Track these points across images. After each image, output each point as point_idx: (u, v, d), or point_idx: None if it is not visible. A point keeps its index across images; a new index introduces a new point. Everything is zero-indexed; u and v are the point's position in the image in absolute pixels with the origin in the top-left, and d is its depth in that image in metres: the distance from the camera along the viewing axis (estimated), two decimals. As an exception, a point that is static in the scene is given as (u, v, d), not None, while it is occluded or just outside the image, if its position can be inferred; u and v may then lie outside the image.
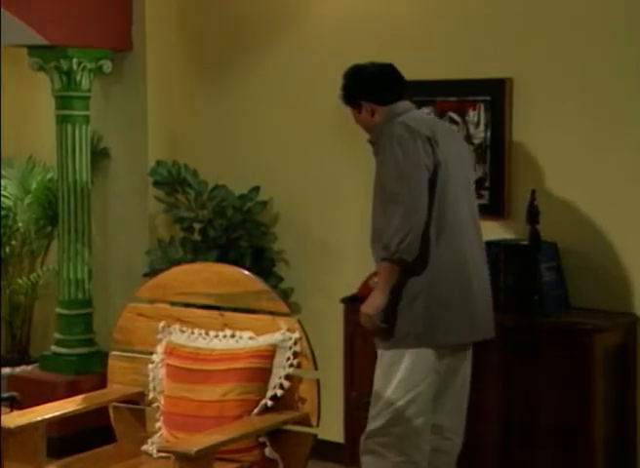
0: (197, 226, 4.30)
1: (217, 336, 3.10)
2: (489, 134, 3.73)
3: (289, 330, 3.01)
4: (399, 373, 3.07)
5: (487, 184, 3.76)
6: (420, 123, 3.12)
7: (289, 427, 2.98)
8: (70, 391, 4.00)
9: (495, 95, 3.70)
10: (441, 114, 3.86)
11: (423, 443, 3.08)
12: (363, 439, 3.15)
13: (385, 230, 3.02)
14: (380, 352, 3.15)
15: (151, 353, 3.17)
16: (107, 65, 4.42)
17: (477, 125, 3.78)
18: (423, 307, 3.04)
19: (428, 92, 3.88)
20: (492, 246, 3.47)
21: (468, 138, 3.81)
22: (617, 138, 3.50)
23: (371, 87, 3.26)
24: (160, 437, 3.07)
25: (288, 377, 2.97)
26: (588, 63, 3.55)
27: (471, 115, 3.79)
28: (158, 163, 4.39)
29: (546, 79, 3.62)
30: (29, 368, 4.53)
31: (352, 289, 3.88)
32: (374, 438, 3.11)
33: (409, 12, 3.97)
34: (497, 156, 3.73)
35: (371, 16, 4.06)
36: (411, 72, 3.92)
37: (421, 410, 3.07)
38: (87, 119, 4.42)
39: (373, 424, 3.13)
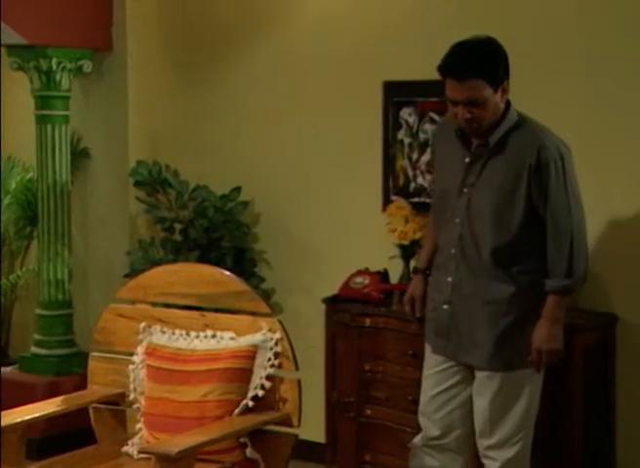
0: (178, 227, 4.29)
1: (197, 337, 3.09)
2: (469, 134, 3.74)
3: (270, 330, 3.00)
4: (526, 395, 2.90)
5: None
6: None
7: (270, 427, 2.98)
8: (50, 392, 3.98)
9: (475, 95, 3.72)
10: (422, 115, 3.88)
11: None
12: None
13: (563, 258, 2.81)
14: (493, 374, 2.89)
15: (132, 354, 3.16)
16: (87, 65, 4.41)
17: (458, 125, 3.79)
18: None
19: (409, 92, 3.90)
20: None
21: (449, 139, 3.82)
22: (602, 140, 3.51)
23: (509, 65, 2.84)
24: (141, 438, 3.06)
25: (269, 378, 2.97)
26: (569, 64, 3.57)
27: (452, 116, 3.80)
28: (139, 163, 4.38)
29: (527, 79, 3.63)
30: (8, 369, 4.50)
31: (333, 289, 3.88)
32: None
33: (390, 12, 3.97)
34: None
35: (352, 16, 4.06)
36: (392, 73, 3.95)
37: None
38: (67, 119, 4.40)
39: (506, 453, 2.90)
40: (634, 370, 3.46)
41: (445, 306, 2.95)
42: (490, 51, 2.80)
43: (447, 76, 2.80)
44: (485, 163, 2.85)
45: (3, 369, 4.50)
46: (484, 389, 2.91)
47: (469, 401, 2.98)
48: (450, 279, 2.92)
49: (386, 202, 3.97)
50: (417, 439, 3.09)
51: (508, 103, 2.86)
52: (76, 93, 4.49)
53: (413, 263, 3.85)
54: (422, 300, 3.09)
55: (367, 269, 3.90)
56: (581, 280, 2.89)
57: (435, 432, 3.00)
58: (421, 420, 3.07)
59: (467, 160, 2.87)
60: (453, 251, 2.91)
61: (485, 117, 2.79)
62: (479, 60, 2.76)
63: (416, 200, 3.90)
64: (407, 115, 3.92)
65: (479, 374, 2.93)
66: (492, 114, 2.80)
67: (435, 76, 3.82)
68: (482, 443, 2.95)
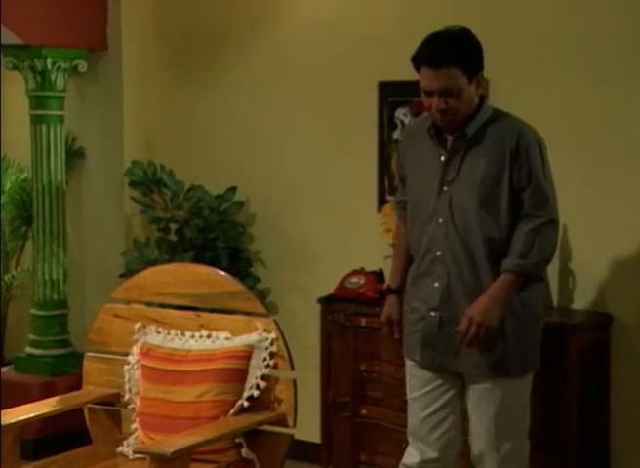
0: (173, 227, 4.29)
1: (193, 337, 3.09)
2: (464, 134, 3.74)
3: (265, 330, 3.00)
4: (525, 400, 2.82)
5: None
6: None
7: (265, 427, 2.98)
8: (45, 393, 3.97)
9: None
10: (416, 114, 3.87)
11: None
12: None
13: (543, 242, 2.73)
14: (494, 386, 2.77)
15: (127, 354, 3.16)
16: (82, 65, 4.40)
17: (453, 125, 3.80)
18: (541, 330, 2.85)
19: (404, 92, 3.90)
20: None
21: (444, 139, 3.82)
22: (595, 139, 3.52)
23: (483, 57, 2.80)
24: (136, 438, 3.06)
25: (264, 378, 2.97)
26: (566, 64, 3.57)
27: (447, 116, 3.80)
28: (134, 163, 4.37)
29: (523, 80, 3.64)
30: (4, 369, 4.49)
31: (329, 289, 3.89)
32: None
33: (384, 12, 3.98)
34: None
35: (346, 16, 4.06)
36: (386, 73, 3.95)
37: None
38: (62, 119, 4.40)
39: (510, 462, 2.80)
40: (629, 370, 3.47)
41: (433, 313, 2.80)
42: (465, 40, 2.76)
43: (422, 65, 2.75)
44: (463, 157, 2.76)
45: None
46: (486, 402, 2.77)
47: (462, 416, 2.86)
48: (437, 284, 2.80)
49: (382, 202, 3.98)
50: (409, 461, 2.91)
51: (483, 98, 2.83)
52: (71, 93, 4.48)
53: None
54: (399, 321, 2.95)
55: (362, 269, 3.90)
56: (536, 267, 2.74)
57: (433, 455, 2.85)
58: (414, 443, 2.90)
59: (443, 158, 2.78)
60: (439, 253, 2.79)
61: (460, 108, 2.72)
62: (455, 49, 2.71)
63: (411, 200, 3.89)
64: (402, 115, 3.92)
65: (476, 386, 2.79)
66: (466, 105, 2.73)
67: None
68: (484, 456, 2.81)
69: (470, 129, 2.76)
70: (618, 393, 3.48)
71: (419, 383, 2.88)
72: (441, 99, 2.71)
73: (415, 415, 2.89)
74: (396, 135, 3.94)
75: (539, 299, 2.85)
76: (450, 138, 2.80)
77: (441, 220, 2.79)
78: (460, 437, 2.89)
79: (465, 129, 2.76)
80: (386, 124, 3.96)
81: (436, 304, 2.80)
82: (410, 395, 2.92)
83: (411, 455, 2.90)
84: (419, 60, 2.76)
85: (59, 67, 4.33)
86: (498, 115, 2.81)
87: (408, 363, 2.93)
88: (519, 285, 2.74)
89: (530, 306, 2.80)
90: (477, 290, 2.75)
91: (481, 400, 2.78)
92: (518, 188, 2.73)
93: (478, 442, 2.81)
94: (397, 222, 3.09)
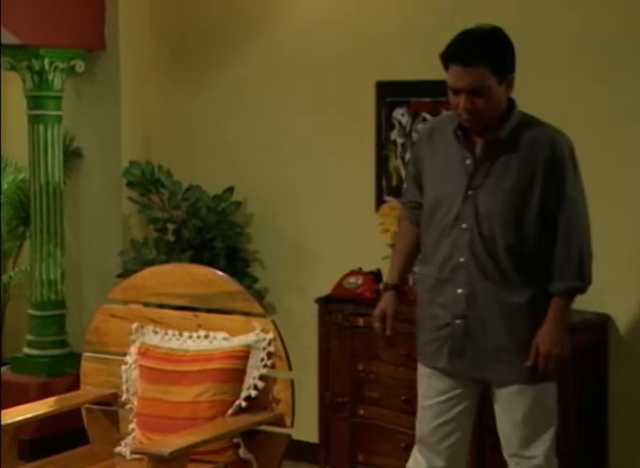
0: (171, 227, 4.29)
1: (190, 337, 3.09)
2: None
3: (263, 330, 3.00)
4: (553, 404, 2.75)
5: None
6: None
7: (263, 428, 2.98)
8: (43, 393, 3.97)
9: (468, 95, 3.72)
10: (415, 115, 3.88)
11: None
12: None
13: (573, 258, 2.65)
14: (523, 390, 2.70)
15: (124, 354, 3.16)
16: (80, 65, 4.40)
17: (451, 125, 3.79)
18: None
19: (402, 93, 3.90)
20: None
21: (442, 139, 3.82)
22: (594, 139, 3.51)
23: (515, 57, 2.68)
24: (133, 438, 3.05)
25: (262, 378, 2.97)
26: (562, 64, 3.57)
27: (445, 116, 3.80)
28: (131, 163, 4.37)
29: (519, 79, 3.63)
30: (1, 369, 4.49)
31: (327, 289, 3.88)
32: None
33: (383, 12, 3.98)
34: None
35: (344, 17, 4.06)
36: (384, 73, 3.95)
37: None
38: (59, 119, 4.39)
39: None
40: (627, 370, 3.47)
41: (457, 321, 2.70)
42: (496, 39, 2.65)
43: (450, 62, 2.63)
44: (493, 162, 2.66)
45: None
46: (513, 407, 2.70)
47: (472, 421, 2.82)
48: (460, 290, 2.69)
49: (379, 202, 3.98)
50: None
51: (512, 101, 2.71)
52: (69, 92, 4.48)
53: (406, 263, 3.85)
54: (394, 318, 2.87)
55: (360, 269, 3.90)
56: (590, 282, 2.71)
57: (440, 463, 2.80)
58: (421, 450, 2.84)
59: (469, 161, 2.68)
60: (461, 259, 2.68)
61: (487, 109, 2.61)
62: (485, 47, 2.61)
63: (409, 200, 3.89)
64: (400, 115, 3.92)
65: (504, 391, 2.71)
66: (495, 107, 2.63)
67: (428, 76, 3.85)
68: (515, 461, 2.75)
69: (503, 132, 2.66)
70: (616, 393, 3.48)
71: (433, 392, 2.80)
72: (468, 99, 2.60)
73: (425, 423, 2.82)
74: (394, 135, 3.95)
75: (569, 308, 2.76)
76: (479, 141, 2.69)
77: (465, 226, 2.67)
78: (467, 446, 2.84)
79: (498, 132, 2.66)
80: (384, 124, 3.96)
81: (461, 312, 2.70)
82: (423, 402, 2.84)
83: (418, 464, 2.85)
84: (447, 58, 2.64)
85: (56, 67, 4.32)
86: (529, 120, 2.71)
87: (424, 370, 2.83)
88: (572, 302, 2.72)
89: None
90: (504, 295, 2.66)
91: (510, 405, 2.71)
92: (549, 199, 2.64)
93: (508, 447, 2.75)
94: (401, 221, 2.99)
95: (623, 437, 3.48)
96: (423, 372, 2.84)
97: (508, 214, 2.64)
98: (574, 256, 2.65)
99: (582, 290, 2.71)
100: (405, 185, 3.04)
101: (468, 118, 2.65)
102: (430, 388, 2.81)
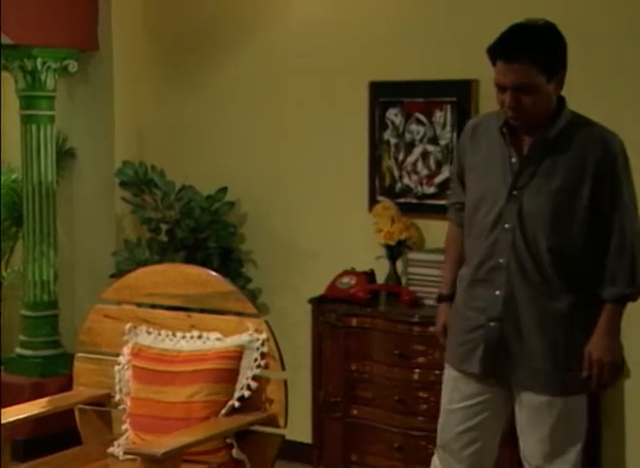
0: (164, 227, 4.28)
1: (184, 338, 3.08)
2: (455, 134, 3.75)
3: (256, 330, 3.00)
4: (583, 415, 2.64)
5: (453, 185, 3.78)
6: None
7: (256, 428, 2.98)
8: (36, 393, 3.96)
9: (461, 96, 3.73)
10: (408, 115, 3.88)
11: None
12: None
13: (625, 263, 2.55)
14: (553, 401, 2.59)
15: (118, 355, 3.15)
16: (73, 65, 4.39)
17: (444, 126, 3.81)
18: None
19: (395, 93, 3.91)
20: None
21: (435, 139, 3.83)
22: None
23: (566, 55, 2.55)
24: (126, 439, 3.05)
25: (255, 378, 2.97)
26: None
27: (438, 116, 3.81)
28: (124, 163, 4.36)
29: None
30: (1, 368, 4.48)
31: (320, 289, 3.89)
32: None
33: (376, 12, 3.98)
34: (463, 157, 3.75)
35: (337, 18, 4.07)
36: (378, 73, 3.96)
37: None
38: (52, 119, 4.39)
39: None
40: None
41: (492, 323, 2.60)
42: (546, 35, 2.51)
43: (496, 57, 2.50)
44: (540, 161, 2.54)
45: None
46: (541, 418, 2.59)
47: (500, 431, 2.70)
48: (498, 292, 2.58)
49: (373, 202, 3.98)
50: None
51: (563, 99, 2.59)
52: (62, 93, 4.47)
53: (399, 263, 3.86)
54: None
55: (353, 269, 3.90)
56: None
57: None
58: (442, 456, 2.74)
59: (515, 159, 2.57)
60: (501, 260, 2.57)
61: (534, 107, 2.49)
62: (532, 42, 2.47)
63: (402, 200, 3.90)
64: (393, 115, 3.93)
65: (532, 401, 2.60)
66: (543, 106, 2.50)
67: (421, 77, 3.87)
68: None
69: (552, 131, 2.54)
70: (608, 395, 3.49)
71: (461, 395, 2.69)
72: (513, 96, 2.48)
73: (449, 428, 2.71)
74: (387, 135, 3.95)
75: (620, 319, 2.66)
76: (527, 140, 2.58)
77: (507, 226, 2.57)
78: (493, 458, 2.73)
79: (547, 132, 2.54)
80: (377, 124, 3.97)
81: (497, 314, 2.60)
82: (448, 406, 2.72)
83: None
84: (492, 53, 2.52)
85: (49, 67, 4.32)
86: (579, 119, 2.59)
87: (452, 373, 2.72)
88: (624, 309, 2.60)
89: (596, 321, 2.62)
90: (544, 300, 2.56)
91: (538, 416, 2.60)
92: (599, 201, 2.53)
93: (531, 458, 2.65)
94: (449, 226, 2.86)
95: (614, 438, 3.49)
96: (450, 375, 2.73)
97: (553, 218, 2.53)
98: (626, 263, 2.55)
99: (635, 296, 2.60)
100: (451, 185, 2.93)
101: (514, 116, 2.53)
102: (457, 392, 2.70)
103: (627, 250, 2.55)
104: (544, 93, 2.50)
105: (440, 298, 2.84)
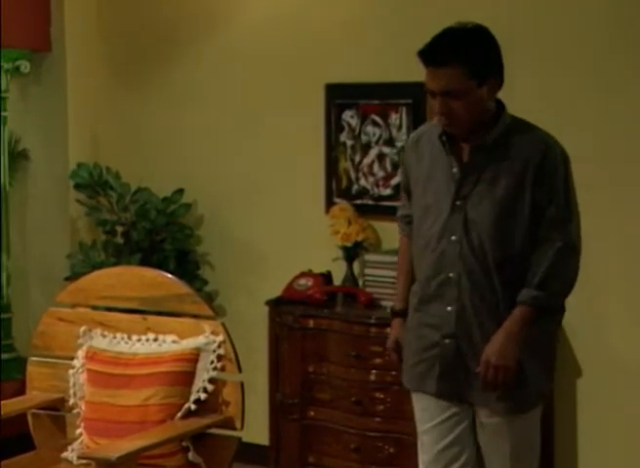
0: (120, 229, 4.25)
1: (139, 340, 3.06)
2: (411, 136, 3.77)
3: (213, 333, 2.99)
4: (538, 430, 2.59)
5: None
6: None
7: (213, 431, 2.96)
8: (-12, 398, 3.90)
9: (416, 97, 3.75)
10: (364, 117, 3.90)
11: None
12: None
13: (543, 267, 2.46)
14: (510, 421, 2.53)
15: (72, 358, 3.12)
16: (25, 66, 4.34)
17: (399, 128, 3.83)
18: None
19: (351, 95, 3.92)
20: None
21: (391, 141, 3.85)
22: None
23: (501, 58, 2.48)
24: (81, 443, 3.02)
25: (212, 381, 2.95)
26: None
27: (393, 118, 3.83)
28: (79, 165, 4.32)
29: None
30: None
31: (277, 291, 3.88)
32: None
33: (332, 15, 3.99)
34: (419, 158, 3.77)
35: (294, 18, 4.07)
36: (334, 75, 3.97)
37: None
38: (4, 120, 4.33)
39: None
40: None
41: (447, 340, 2.52)
42: (475, 38, 2.44)
43: (425, 62, 2.44)
44: (482, 169, 2.48)
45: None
46: (502, 438, 2.53)
47: (478, 446, 2.61)
48: (450, 308, 2.51)
49: (329, 204, 3.99)
50: None
51: (502, 104, 2.53)
52: (14, 93, 4.42)
53: (356, 265, 3.87)
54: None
55: (310, 271, 3.91)
56: (554, 299, 2.48)
57: None
58: None
59: (456, 169, 2.50)
60: (452, 275, 2.50)
61: (465, 113, 2.42)
62: (460, 46, 2.40)
63: (358, 202, 3.92)
64: (349, 117, 3.94)
65: (493, 420, 2.53)
66: (476, 111, 2.43)
67: (377, 79, 3.88)
68: None
69: (489, 137, 2.47)
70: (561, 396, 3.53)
71: (430, 414, 2.60)
72: (443, 102, 2.42)
73: (428, 451, 2.61)
74: (343, 137, 3.96)
75: (555, 331, 2.62)
76: (466, 148, 2.51)
77: (454, 238, 2.50)
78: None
79: (485, 138, 2.47)
80: (334, 126, 3.98)
81: (451, 331, 2.52)
82: (421, 428, 2.63)
83: None
84: (421, 57, 2.45)
85: (0, 68, 4.26)
86: (519, 124, 2.52)
87: (413, 394, 2.65)
88: (535, 317, 2.46)
89: (545, 338, 2.54)
90: (496, 313, 2.48)
91: (496, 436, 2.54)
92: (539, 207, 2.46)
93: None
94: (400, 238, 2.79)
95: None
96: (413, 397, 2.66)
97: (497, 226, 2.46)
98: (544, 267, 2.45)
99: (544, 303, 2.46)
100: (400, 196, 2.87)
101: (446, 122, 2.47)
102: (424, 411, 2.62)
103: (549, 255, 2.45)
104: (476, 97, 2.42)
105: (393, 313, 2.77)
